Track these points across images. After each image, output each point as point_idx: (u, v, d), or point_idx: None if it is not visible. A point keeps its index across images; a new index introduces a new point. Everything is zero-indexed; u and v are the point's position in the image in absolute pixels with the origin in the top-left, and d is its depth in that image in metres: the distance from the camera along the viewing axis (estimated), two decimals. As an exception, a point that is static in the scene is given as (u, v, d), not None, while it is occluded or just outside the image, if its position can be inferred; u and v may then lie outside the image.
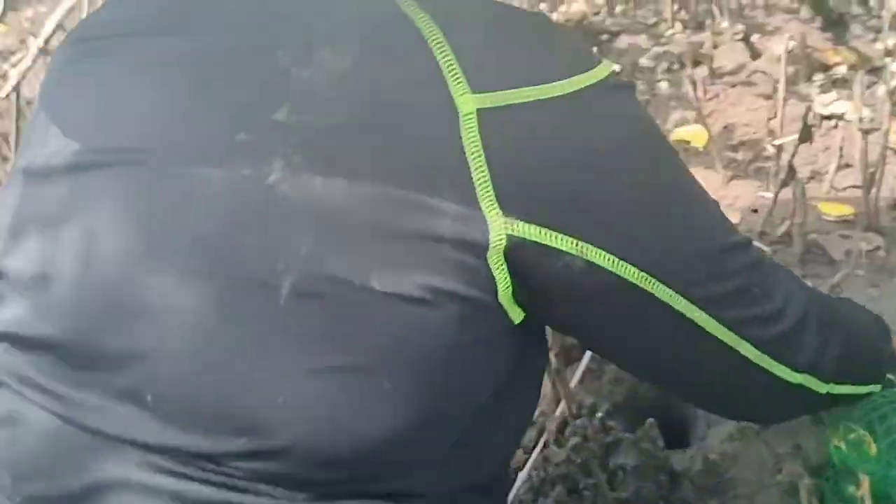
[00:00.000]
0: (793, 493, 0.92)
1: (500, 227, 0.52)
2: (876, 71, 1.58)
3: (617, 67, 0.58)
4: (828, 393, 0.71)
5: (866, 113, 1.48)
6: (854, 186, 1.35)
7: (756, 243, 0.69)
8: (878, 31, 1.70)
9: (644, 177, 0.58)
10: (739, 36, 1.72)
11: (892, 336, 0.81)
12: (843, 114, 1.48)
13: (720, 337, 0.62)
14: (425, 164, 0.52)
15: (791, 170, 1.22)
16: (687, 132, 1.58)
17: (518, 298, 0.56)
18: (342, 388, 0.52)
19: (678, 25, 1.95)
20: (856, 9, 1.79)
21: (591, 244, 0.55)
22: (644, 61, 1.87)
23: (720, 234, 0.63)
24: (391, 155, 0.53)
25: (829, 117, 1.49)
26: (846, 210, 1.31)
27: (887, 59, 1.59)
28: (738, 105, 1.60)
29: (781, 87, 1.30)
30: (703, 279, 0.61)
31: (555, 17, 2.15)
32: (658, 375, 0.70)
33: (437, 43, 0.53)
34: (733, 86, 1.65)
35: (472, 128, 0.52)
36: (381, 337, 0.52)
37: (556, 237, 0.54)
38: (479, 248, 0.53)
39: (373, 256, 0.52)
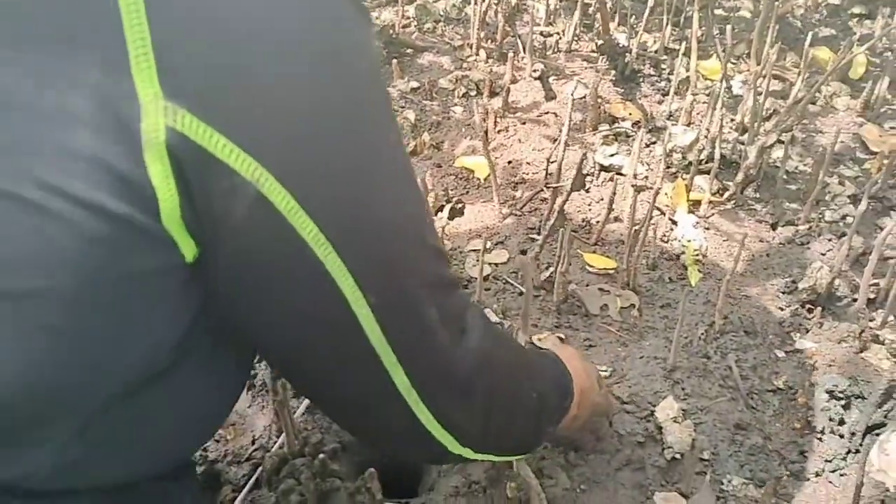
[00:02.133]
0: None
1: (156, 114, 0.40)
2: (658, 131, 1.60)
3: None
4: (459, 455, 0.65)
5: (641, 170, 1.50)
6: (621, 241, 1.35)
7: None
8: (666, 93, 1.74)
9: (354, 117, 0.48)
10: (537, 74, 1.70)
11: (562, 404, 0.78)
12: (620, 167, 1.49)
13: (380, 355, 0.53)
14: (69, 18, 0.40)
15: (561, 216, 1.18)
16: (471, 161, 1.54)
17: (188, 222, 0.43)
18: None
19: (482, 53, 1.91)
20: (649, 69, 1.83)
21: (272, 174, 0.43)
22: (443, 83, 1.82)
23: (422, 228, 0.55)
24: (30, 5, 0.40)
25: (607, 169, 1.49)
26: (609, 264, 1.30)
27: (668, 122, 1.63)
28: (525, 142, 1.57)
29: (564, 131, 1.27)
30: (387, 272, 0.51)
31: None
32: (299, 380, 0.59)
33: None
34: (524, 122, 1.62)
35: None
36: None
37: (226, 147, 0.42)
38: (130, 141, 0.40)
39: None
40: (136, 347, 0.46)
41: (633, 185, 1.34)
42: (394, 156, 0.52)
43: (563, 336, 1.17)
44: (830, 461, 0.99)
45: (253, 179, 0.43)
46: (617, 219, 1.39)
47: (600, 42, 1.71)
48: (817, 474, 0.98)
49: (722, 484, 0.97)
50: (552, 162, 1.37)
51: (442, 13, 2.13)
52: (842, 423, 1.06)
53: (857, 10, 2.25)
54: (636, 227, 1.22)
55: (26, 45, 0.39)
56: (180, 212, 0.43)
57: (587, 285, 1.26)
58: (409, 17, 2.11)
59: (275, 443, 1.02)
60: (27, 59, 0.39)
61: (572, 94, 1.30)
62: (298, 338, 0.52)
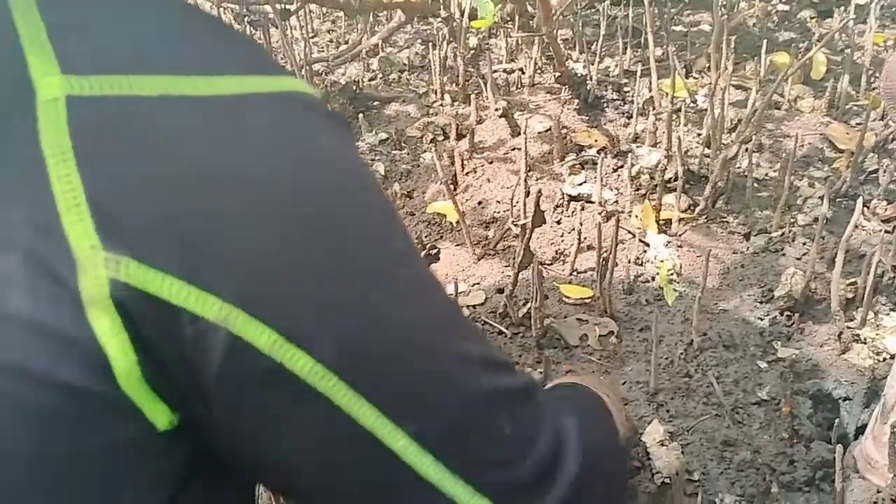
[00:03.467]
0: None
1: (96, 267, 0.36)
2: (623, 154, 1.61)
3: (314, 92, 0.46)
4: None
5: (609, 195, 1.50)
6: (594, 269, 1.35)
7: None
8: (630, 116, 1.76)
9: (337, 236, 0.43)
10: (500, 112, 1.72)
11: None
12: (589, 195, 1.49)
13: (437, 486, 0.45)
14: None
15: (527, 252, 1.19)
16: (443, 206, 1.55)
17: (153, 383, 0.39)
18: None
19: (447, 97, 1.94)
20: (611, 94, 1.85)
21: (243, 310, 0.38)
22: (411, 131, 1.84)
23: (454, 337, 0.48)
24: None
25: (576, 198, 1.50)
26: (586, 293, 1.30)
27: (633, 144, 1.64)
28: (493, 181, 1.59)
29: (522, 167, 1.28)
30: (421, 393, 0.45)
31: (330, 79, 2.09)
32: None
33: (25, 7, 0.39)
34: (491, 161, 1.64)
35: (56, 120, 0.37)
36: None
37: (182, 290, 0.37)
38: (70, 299, 0.36)
39: None
40: None
41: (598, 213, 1.35)
42: (400, 267, 0.47)
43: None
44: (820, 468, 0.98)
45: (219, 320, 0.38)
46: (590, 247, 1.39)
47: (556, 74, 1.73)
48: (808, 482, 0.97)
49: (714, 503, 0.96)
50: (517, 201, 1.38)
51: (405, 63, 2.17)
52: (830, 428, 1.05)
53: (806, 13, 2.27)
54: (604, 255, 1.23)
55: None
56: (140, 372, 0.38)
57: (565, 317, 1.26)
58: (374, 70, 2.14)
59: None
60: None
61: (525, 132, 1.31)
62: (328, 483, 0.46)
